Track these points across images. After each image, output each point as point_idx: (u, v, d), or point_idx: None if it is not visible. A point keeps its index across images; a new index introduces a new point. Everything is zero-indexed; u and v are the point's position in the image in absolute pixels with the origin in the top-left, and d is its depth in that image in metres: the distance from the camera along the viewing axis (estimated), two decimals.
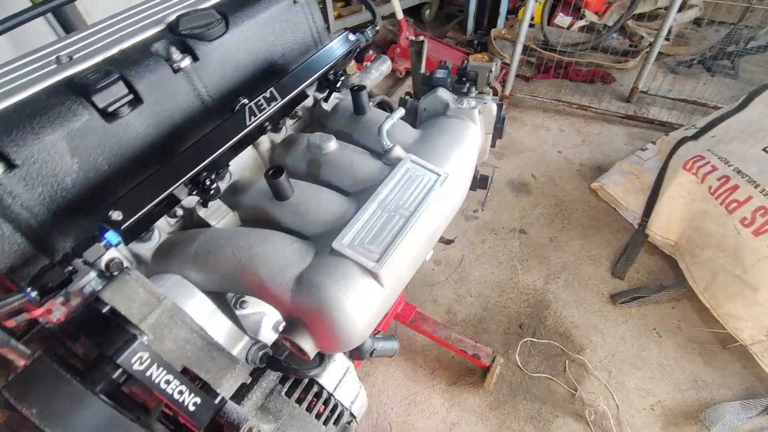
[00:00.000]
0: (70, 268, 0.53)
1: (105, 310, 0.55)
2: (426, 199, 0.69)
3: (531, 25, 3.76)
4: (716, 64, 3.66)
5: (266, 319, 0.84)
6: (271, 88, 0.72)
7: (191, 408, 0.54)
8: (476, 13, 4.09)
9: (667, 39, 3.72)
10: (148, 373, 0.50)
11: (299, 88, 0.75)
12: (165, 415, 0.70)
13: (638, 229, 2.62)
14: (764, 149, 2.17)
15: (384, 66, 1.11)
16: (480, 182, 1.01)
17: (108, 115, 0.65)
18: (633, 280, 2.48)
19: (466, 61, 0.89)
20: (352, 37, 0.85)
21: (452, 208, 0.76)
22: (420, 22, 4.44)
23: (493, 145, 0.96)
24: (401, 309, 2.24)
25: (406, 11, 4.12)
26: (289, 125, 0.90)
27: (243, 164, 0.82)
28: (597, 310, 2.38)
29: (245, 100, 0.72)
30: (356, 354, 0.93)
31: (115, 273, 0.65)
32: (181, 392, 0.53)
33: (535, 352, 2.25)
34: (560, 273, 2.55)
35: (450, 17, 4.49)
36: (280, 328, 0.79)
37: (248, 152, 0.83)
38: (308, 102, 0.94)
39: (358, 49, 0.89)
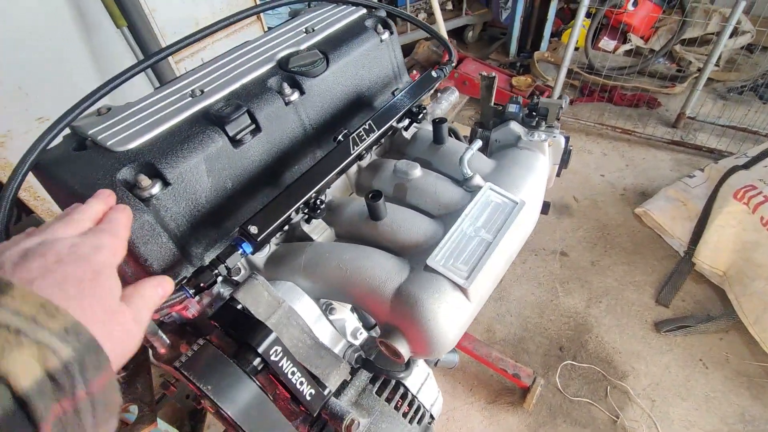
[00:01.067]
0: (216, 271, 0.64)
1: (239, 307, 0.65)
2: (506, 224, 0.77)
3: (575, 49, 3.81)
4: None
5: (347, 325, 0.93)
6: (369, 121, 0.82)
7: (308, 397, 0.63)
8: (519, 36, 4.16)
9: (716, 65, 3.68)
10: (280, 364, 0.60)
11: (393, 120, 0.85)
12: None
13: (684, 257, 2.60)
14: None
15: (453, 96, 1.20)
16: (544, 208, 1.08)
17: (235, 142, 0.77)
18: (678, 308, 2.45)
19: (537, 97, 0.97)
20: (434, 74, 0.95)
21: (526, 232, 0.84)
22: (463, 44, 4.56)
23: (558, 174, 1.03)
24: None
25: (450, 32, 4.24)
26: (373, 151, 1.00)
27: (335, 186, 0.92)
28: (640, 337, 2.36)
29: (347, 131, 0.82)
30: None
31: (235, 278, 0.76)
32: (302, 383, 0.62)
33: (576, 376, 2.25)
34: (602, 297, 2.54)
35: (493, 39, 4.58)
36: (359, 334, 0.88)
37: (342, 177, 0.93)
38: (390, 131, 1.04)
39: (438, 82, 0.98)
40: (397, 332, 0.68)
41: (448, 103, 1.18)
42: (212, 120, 0.75)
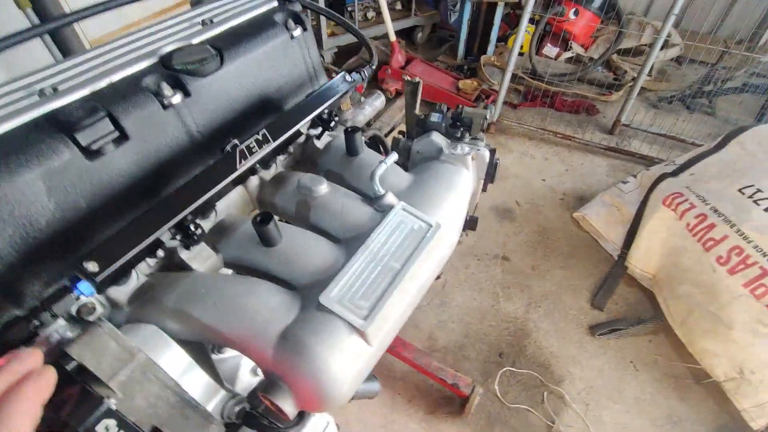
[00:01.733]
0: (36, 323, 0.50)
1: (71, 367, 0.51)
2: (417, 250, 0.68)
3: (520, 54, 3.85)
4: (695, 101, 3.79)
5: (244, 362, 0.81)
6: (264, 130, 0.71)
7: None
8: (467, 39, 4.16)
9: (649, 75, 3.86)
10: None
11: (292, 130, 0.74)
12: None
13: (618, 261, 2.67)
14: (739, 190, 2.25)
15: (378, 101, 1.10)
16: (470, 224, 1.01)
17: (90, 153, 0.63)
18: (612, 311, 2.51)
19: (461, 107, 0.90)
20: (349, 77, 0.85)
21: (443, 257, 0.75)
22: (412, 44, 4.50)
23: (484, 189, 0.96)
24: None
25: (398, 33, 4.16)
26: (279, 161, 0.89)
27: (230, 202, 0.80)
28: (576, 341, 2.39)
29: (236, 141, 0.70)
30: None
31: (88, 318, 0.62)
32: None
33: (515, 382, 2.25)
34: (541, 302, 2.57)
35: (441, 41, 4.57)
36: (258, 372, 0.76)
37: (238, 191, 0.81)
38: (300, 138, 0.92)
39: (354, 87, 0.88)
40: (282, 385, 0.58)
41: (372, 108, 1.08)
42: (58, 126, 0.61)
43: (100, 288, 0.56)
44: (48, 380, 0.44)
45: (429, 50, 4.51)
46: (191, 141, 0.75)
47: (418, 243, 0.69)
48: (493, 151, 0.91)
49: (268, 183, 0.84)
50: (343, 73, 0.83)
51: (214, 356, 0.75)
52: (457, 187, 0.83)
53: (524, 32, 3.30)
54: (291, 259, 0.67)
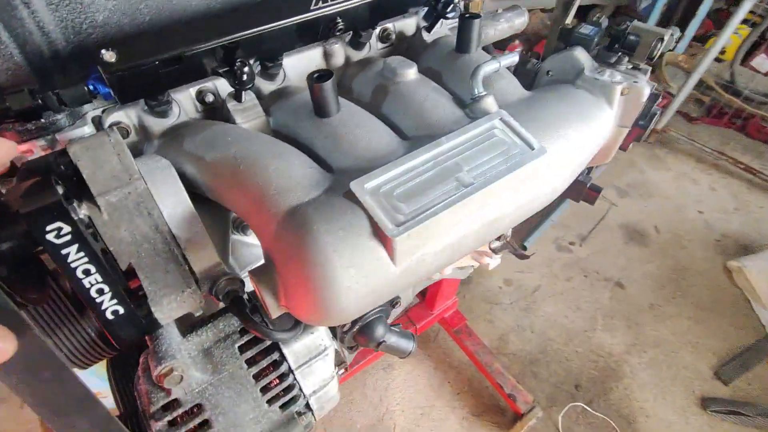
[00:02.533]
0: (39, 101, 0.44)
1: (64, 168, 0.45)
2: (503, 170, 0.48)
3: (717, 59, 3.12)
4: None
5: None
6: None
7: (109, 315, 0.42)
8: None
9: None
10: (63, 252, 0.39)
11: None
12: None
13: None
14: None
15: (519, 20, 0.88)
16: (586, 193, 0.76)
17: None
18: (739, 390, 1.96)
19: (628, 21, 0.64)
20: None
21: (534, 200, 0.54)
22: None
23: (624, 147, 0.70)
24: (449, 315, 2.03)
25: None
26: (376, 48, 0.74)
27: (304, 70, 0.68)
28: (679, 407, 1.93)
29: None
30: (361, 337, 0.77)
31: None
32: (101, 291, 0.41)
33: (584, 423, 1.90)
34: (649, 348, 2.11)
35: None
36: None
37: (316, 59, 0.68)
38: (408, 28, 0.76)
39: None
40: (272, 270, 0.45)
41: (509, 24, 0.87)
42: None
43: (122, 93, 0.48)
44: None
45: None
46: None
47: (507, 163, 0.49)
48: (654, 95, 0.65)
49: (354, 64, 0.70)
50: None
51: (235, 235, 0.66)
52: (587, 122, 0.59)
53: (732, 34, 2.63)
54: (340, 135, 0.52)
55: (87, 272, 0.40)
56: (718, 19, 3.68)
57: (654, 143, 3.04)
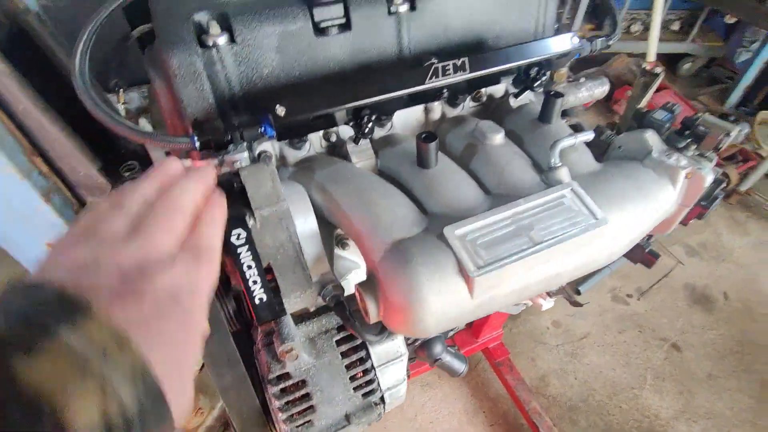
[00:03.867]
0: (229, 137, 0.61)
1: (237, 185, 0.61)
2: (567, 235, 0.59)
3: None
4: None
5: (357, 272, 0.85)
6: (465, 58, 0.69)
7: (256, 301, 0.57)
8: (751, 85, 3.34)
9: None
10: (238, 251, 0.55)
11: (492, 69, 0.70)
12: (237, 305, 0.76)
13: None
14: None
15: (599, 89, 0.97)
16: (645, 257, 0.83)
17: (318, 30, 0.71)
18: None
19: (700, 113, 0.72)
20: (576, 40, 0.76)
21: (594, 260, 0.64)
22: (672, 74, 3.86)
23: (685, 222, 0.77)
24: (493, 346, 2.08)
25: (662, 56, 3.62)
26: (468, 106, 0.87)
27: (408, 122, 0.82)
28: None
29: (435, 60, 0.70)
30: (422, 352, 0.88)
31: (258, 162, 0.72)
32: (255, 282, 0.57)
33: None
34: (701, 419, 2.03)
35: (713, 80, 3.79)
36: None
37: (418, 113, 0.83)
38: (498, 92, 0.88)
39: (577, 56, 0.79)
40: (375, 288, 0.58)
41: (589, 93, 0.96)
42: (305, 1, 0.71)
43: (281, 134, 0.64)
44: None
45: (691, 86, 3.80)
46: (398, 53, 0.78)
47: (572, 229, 0.60)
48: (719, 181, 0.71)
49: (448, 120, 0.83)
50: (573, 32, 0.75)
51: (337, 250, 0.81)
52: (649, 199, 0.68)
53: None
54: (436, 185, 0.65)
55: (249, 267, 0.56)
56: None
57: (735, 205, 2.90)
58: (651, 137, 0.72)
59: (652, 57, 3.15)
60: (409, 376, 0.76)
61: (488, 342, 2.05)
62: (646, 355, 2.25)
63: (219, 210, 0.44)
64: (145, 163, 1.28)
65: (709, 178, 0.69)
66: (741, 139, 0.70)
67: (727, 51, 3.65)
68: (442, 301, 0.55)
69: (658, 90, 3.29)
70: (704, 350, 2.26)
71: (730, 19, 3.53)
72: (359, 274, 0.85)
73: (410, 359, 0.91)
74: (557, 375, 2.20)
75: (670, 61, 3.82)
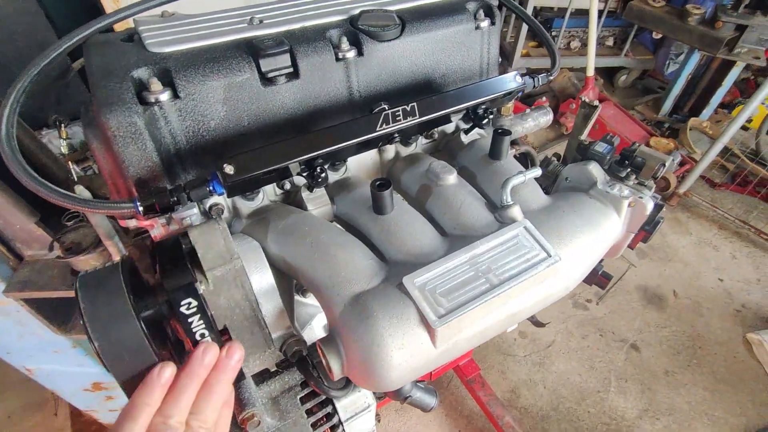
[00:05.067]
0: (175, 198, 0.58)
1: (186, 246, 0.59)
2: (523, 275, 0.60)
3: (743, 128, 3.21)
4: None
5: (320, 317, 0.83)
6: (414, 103, 0.71)
7: None
8: (680, 95, 3.62)
9: None
10: (189, 320, 0.52)
11: (441, 113, 0.72)
12: None
13: None
14: None
15: (544, 119, 1.02)
16: (598, 278, 0.87)
17: (266, 80, 0.71)
18: None
19: (636, 144, 0.77)
20: (519, 78, 0.79)
21: (551, 295, 0.66)
22: (610, 86, 4.12)
23: (632, 246, 0.81)
24: (464, 363, 2.09)
25: (599, 71, 3.86)
26: (420, 143, 0.88)
27: (362, 164, 0.82)
28: None
29: (385, 106, 0.71)
30: (391, 393, 0.87)
31: (213, 217, 0.70)
32: None
33: None
34: (662, 415, 2.12)
35: (646, 91, 4.07)
36: (326, 329, 0.77)
37: (372, 155, 0.83)
38: (449, 128, 0.90)
39: (520, 93, 0.82)
40: (338, 344, 0.57)
41: (535, 123, 1.00)
42: (249, 50, 0.70)
43: (230, 191, 0.63)
44: (236, 361, 0.53)
45: (628, 97, 4.06)
46: (349, 98, 0.79)
47: (527, 268, 0.61)
48: (659, 206, 0.76)
49: (402, 159, 0.84)
50: (516, 72, 0.78)
51: (297, 297, 0.79)
52: (597, 230, 0.71)
53: (760, 103, 2.73)
54: (393, 231, 0.65)
55: (203, 335, 0.53)
56: (744, 88, 3.78)
57: (676, 207, 3.10)
58: (594, 169, 0.76)
59: (590, 71, 3.34)
60: (379, 421, 0.75)
61: (459, 359, 2.07)
62: (609, 357, 2.34)
63: (224, 378, 0.52)
64: None
65: (650, 206, 0.73)
66: (675, 168, 0.75)
67: (656, 63, 3.94)
68: (405, 353, 0.54)
69: (599, 101, 3.50)
70: (660, 348, 2.37)
71: (657, 35, 3.82)
72: (321, 319, 0.83)
73: (379, 398, 0.89)
74: (527, 386, 2.24)
75: (607, 74, 4.08)
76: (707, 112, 3.55)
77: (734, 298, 2.60)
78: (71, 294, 1.14)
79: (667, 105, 3.67)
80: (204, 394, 0.49)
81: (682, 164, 3.17)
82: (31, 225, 1.11)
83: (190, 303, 0.52)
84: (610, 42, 3.96)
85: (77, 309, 0.49)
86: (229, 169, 0.59)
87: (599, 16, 3.51)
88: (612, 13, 3.66)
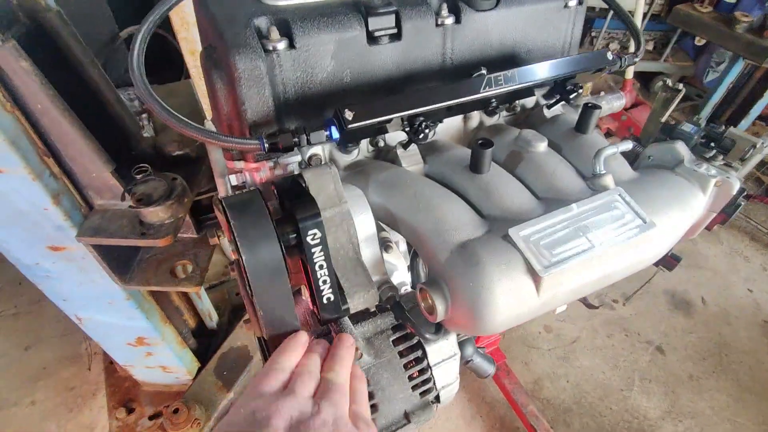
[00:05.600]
0: (296, 140, 0.62)
1: (298, 186, 0.62)
2: (620, 237, 0.62)
3: None
4: None
5: (396, 274, 0.86)
6: (515, 70, 0.73)
7: (324, 300, 0.58)
8: (719, 103, 3.57)
9: None
10: (313, 251, 0.55)
11: (539, 80, 0.74)
12: None
13: None
14: None
15: (617, 103, 1.03)
16: (668, 260, 0.88)
17: (372, 38, 0.73)
18: None
19: (725, 125, 0.78)
20: (610, 55, 0.81)
21: (641, 261, 0.68)
22: (647, 91, 4.07)
23: (709, 228, 0.82)
24: (490, 351, 2.12)
25: (638, 75, 3.82)
26: (502, 115, 0.90)
27: (448, 129, 0.85)
28: None
29: (484, 71, 0.73)
30: None
31: (314, 165, 0.73)
32: (325, 282, 0.57)
33: None
34: (685, 418, 2.12)
35: (684, 98, 4.02)
36: (403, 288, 0.80)
37: (457, 121, 0.85)
38: (529, 103, 0.92)
39: (609, 71, 0.84)
40: (443, 288, 0.60)
41: (609, 106, 1.02)
42: (360, 9, 0.72)
43: (345, 137, 0.66)
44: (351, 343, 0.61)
45: None
46: (441, 63, 0.81)
47: (624, 232, 0.63)
48: (742, 189, 0.77)
49: (485, 128, 0.87)
50: (606, 49, 0.80)
51: None
52: (685, 205, 0.73)
53: None
54: (491, 189, 0.68)
55: (321, 267, 0.57)
56: None
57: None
58: (681, 148, 0.77)
59: (629, 74, 3.31)
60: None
61: (486, 347, 2.09)
62: (633, 357, 2.34)
63: (347, 351, 0.59)
64: (157, 164, 1.26)
65: (737, 186, 0.74)
66: (766, 152, 0.76)
67: (696, 70, 3.89)
68: (511, 299, 0.57)
69: (635, 105, 3.47)
70: (685, 352, 2.37)
71: (699, 41, 3.76)
72: (398, 276, 0.86)
73: None
74: (550, 378, 2.26)
75: (645, 78, 4.03)
76: (745, 123, 3.49)
77: (762, 309, 2.58)
78: (139, 243, 1.19)
79: (705, 113, 3.62)
80: (332, 356, 0.58)
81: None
82: (107, 174, 1.15)
83: (315, 234, 0.55)
84: (650, 46, 3.91)
85: (225, 227, 0.53)
86: (348, 114, 0.62)
87: (642, 19, 3.47)
88: (655, 17, 3.62)
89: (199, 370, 1.99)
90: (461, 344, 0.91)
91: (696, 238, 2.68)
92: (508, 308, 0.57)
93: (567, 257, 0.59)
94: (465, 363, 0.92)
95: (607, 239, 0.62)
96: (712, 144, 0.78)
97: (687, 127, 0.79)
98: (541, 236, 0.61)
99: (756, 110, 3.41)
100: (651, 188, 0.73)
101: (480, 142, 0.67)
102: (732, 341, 2.42)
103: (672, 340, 2.42)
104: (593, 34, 3.73)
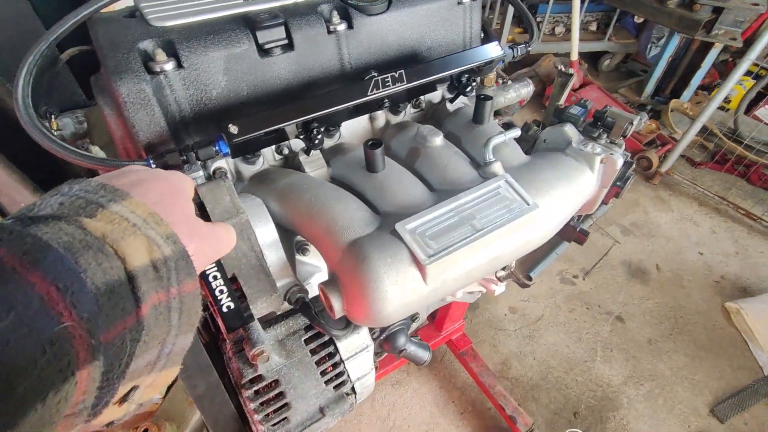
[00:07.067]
0: (184, 157, 0.64)
1: (196, 202, 0.64)
2: (504, 220, 0.66)
3: (722, 108, 3.32)
4: None
5: (318, 276, 0.89)
6: (402, 70, 0.76)
7: (224, 309, 0.60)
8: (662, 77, 3.71)
9: None
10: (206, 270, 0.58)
11: (427, 79, 0.78)
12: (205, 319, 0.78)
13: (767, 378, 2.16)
14: None
15: (525, 90, 1.08)
16: (577, 235, 0.94)
17: (262, 51, 0.76)
18: (735, 429, 2.05)
19: (607, 106, 0.83)
20: (499, 49, 0.85)
21: (530, 242, 0.72)
22: (594, 70, 4.20)
23: (605, 202, 0.88)
24: (456, 337, 2.17)
25: (584, 54, 3.93)
26: (409, 112, 0.94)
27: (355, 131, 0.88)
28: None
29: (375, 74, 0.77)
30: (387, 345, 0.94)
31: (218, 177, 0.75)
32: (222, 291, 0.60)
33: None
34: (646, 381, 2.22)
35: (630, 74, 4.16)
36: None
37: (363, 122, 0.89)
38: (435, 98, 0.96)
39: (501, 62, 0.88)
40: (338, 285, 0.63)
41: (516, 94, 1.07)
42: (246, 23, 0.75)
43: (234, 151, 0.68)
44: None
45: (611, 80, 4.15)
46: (341, 69, 0.84)
47: (508, 215, 0.68)
48: (629, 163, 0.83)
49: (392, 126, 0.90)
50: (496, 41, 0.84)
51: (298, 256, 0.85)
52: (572, 183, 0.78)
53: (736, 84, 2.83)
54: (385, 187, 0.71)
55: (215, 278, 0.59)
56: (722, 70, 3.89)
57: (658, 185, 3.20)
58: (569, 130, 0.82)
59: (574, 55, 3.41)
60: (377, 367, 0.82)
61: (451, 334, 2.14)
62: (595, 329, 2.43)
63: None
64: None
65: (620, 162, 0.80)
66: (642, 127, 0.82)
67: (639, 47, 4.03)
68: (399, 289, 0.61)
69: (583, 86, 3.58)
70: (643, 318, 2.47)
71: (638, 19, 3.90)
72: (320, 277, 0.89)
73: (377, 354, 0.96)
74: (517, 357, 2.33)
75: (592, 58, 4.15)
76: (687, 93, 3.65)
77: (713, 270, 2.70)
78: None
79: (649, 88, 3.76)
80: None
81: (663, 144, 3.27)
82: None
83: None
84: (593, 27, 4.03)
85: None
86: (233, 128, 0.64)
87: (582, 2, 3.57)
88: None
89: (169, 387, 1.98)
90: (393, 335, 0.94)
91: (648, 207, 2.78)
92: (398, 298, 0.61)
93: (450, 245, 0.63)
94: (399, 353, 0.96)
95: (490, 224, 0.66)
96: (599, 123, 0.83)
97: (574, 110, 0.84)
98: (428, 227, 0.65)
99: (696, 81, 3.56)
100: (539, 171, 0.77)
101: (369, 143, 0.71)
102: (686, 303, 2.54)
103: (630, 308, 2.52)
104: (538, 18, 3.82)
